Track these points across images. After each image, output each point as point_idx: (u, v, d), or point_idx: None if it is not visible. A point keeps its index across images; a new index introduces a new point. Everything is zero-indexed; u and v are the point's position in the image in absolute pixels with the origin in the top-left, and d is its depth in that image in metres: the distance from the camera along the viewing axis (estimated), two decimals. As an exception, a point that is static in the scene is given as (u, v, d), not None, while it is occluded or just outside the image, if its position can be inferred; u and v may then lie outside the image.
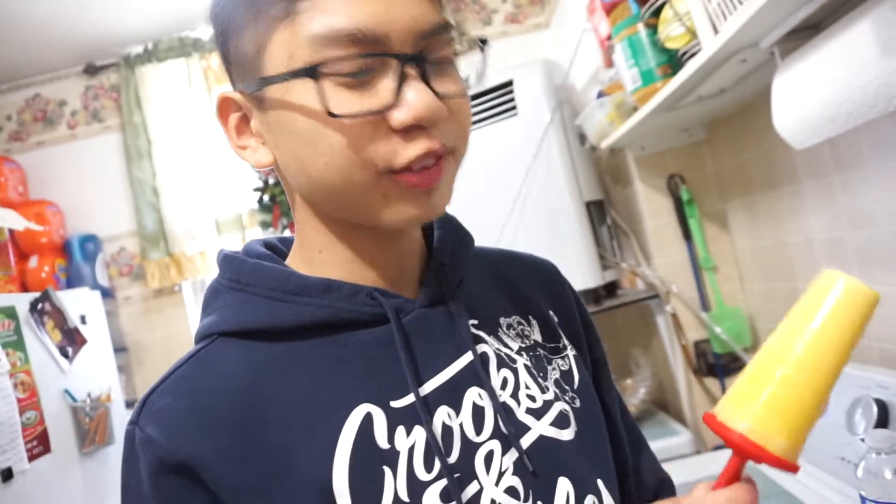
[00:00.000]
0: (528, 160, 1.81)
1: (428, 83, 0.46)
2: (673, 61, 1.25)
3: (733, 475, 0.42)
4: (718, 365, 1.70)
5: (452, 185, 0.53)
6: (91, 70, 2.75)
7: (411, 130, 0.46)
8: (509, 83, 1.87)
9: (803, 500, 1.04)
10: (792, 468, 0.39)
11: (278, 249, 0.61)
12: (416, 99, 0.45)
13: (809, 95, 0.84)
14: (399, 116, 0.46)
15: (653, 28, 1.26)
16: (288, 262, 0.58)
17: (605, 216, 1.97)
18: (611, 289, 1.96)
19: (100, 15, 2.41)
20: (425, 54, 0.47)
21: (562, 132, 1.83)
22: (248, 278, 0.54)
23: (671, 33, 1.14)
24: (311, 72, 0.46)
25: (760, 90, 1.28)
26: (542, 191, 1.82)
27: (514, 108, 1.85)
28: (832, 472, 1.00)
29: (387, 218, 0.49)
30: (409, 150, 0.46)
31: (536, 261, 0.70)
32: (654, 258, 1.76)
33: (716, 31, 0.97)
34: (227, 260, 0.56)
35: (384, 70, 0.47)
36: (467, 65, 0.55)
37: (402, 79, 0.46)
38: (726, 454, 1.26)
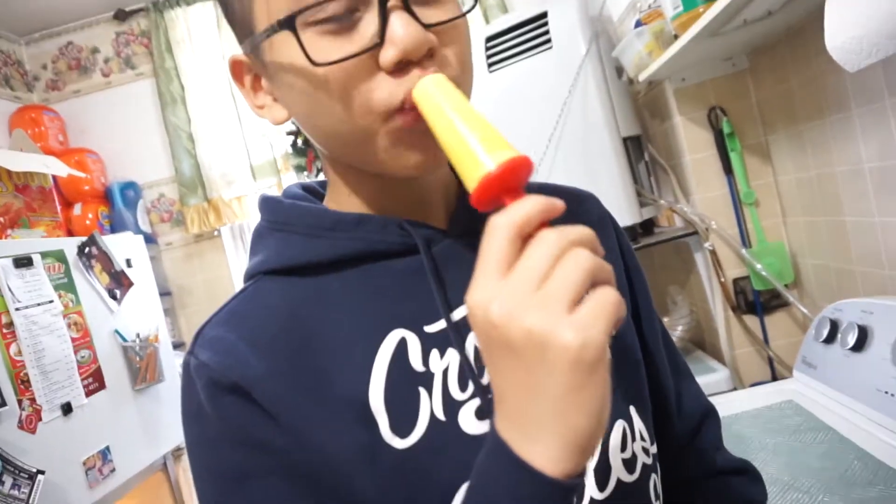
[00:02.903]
0: (564, 95, 1.76)
1: (412, 13, 0.45)
2: (717, -17, 1.19)
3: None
4: (758, 302, 1.67)
5: None
6: (121, 16, 2.75)
7: (404, 67, 0.45)
8: (543, 15, 1.81)
9: (847, 436, 1.03)
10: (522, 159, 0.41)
11: (317, 192, 0.62)
12: (401, 33, 0.44)
13: (866, 11, 0.79)
14: (387, 55, 0.44)
15: (696, -52, 1.19)
16: (325, 203, 0.59)
17: (642, 152, 1.92)
18: (648, 226, 1.93)
19: (127, -42, 2.39)
20: None
21: (598, 65, 1.77)
22: (285, 218, 0.55)
23: (716, -48, 1.08)
24: (288, 23, 0.45)
25: (810, 11, 1.21)
26: (577, 126, 1.78)
27: (548, 41, 1.80)
28: (877, 407, 0.99)
29: (395, 164, 0.49)
30: (404, 85, 0.45)
31: (575, 192, 0.69)
32: (693, 194, 1.72)
33: (764, -54, 0.92)
34: (266, 203, 0.58)
35: (366, 8, 0.45)
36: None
37: (385, 15, 0.44)
38: (764, 389, 1.25)
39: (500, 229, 0.38)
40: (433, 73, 0.45)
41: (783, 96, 1.47)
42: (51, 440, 1.55)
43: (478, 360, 0.51)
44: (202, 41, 2.68)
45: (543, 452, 0.36)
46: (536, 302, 0.35)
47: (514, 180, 0.41)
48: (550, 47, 1.80)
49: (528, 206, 0.38)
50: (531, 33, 1.83)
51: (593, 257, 0.36)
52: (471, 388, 0.50)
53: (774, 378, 1.67)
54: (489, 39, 1.91)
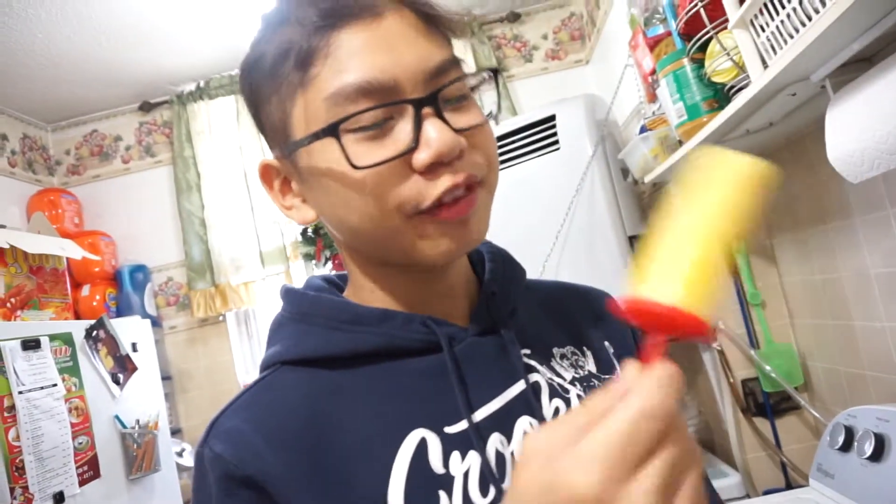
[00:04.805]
0: (571, 194, 1.81)
1: (444, 120, 0.48)
2: (719, 95, 1.26)
3: (659, 354, 0.36)
4: (768, 404, 1.65)
5: (488, 215, 0.54)
6: (146, 107, 2.87)
7: (435, 168, 0.48)
8: (552, 118, 1.89)
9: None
10: (711, 334, 0.37)
11: (337, 285, 0.63)
12: (434, 137, 0.47)
13: (865, 128, 0.83)
14: (420, 157, 0.47)
15: (698, 63, 1.26)
16: (346, 296, 0.60)
17: (648, 250, 1.95)
18: (654, 324, 1.93)
19: (154, 55, 2.53)
20: (438, 92, 0.49)
21: (604, 166, 1.84)
22: (308, 309, 0.56)
23: (718, 67, 1.15)
24: (331, 130, 0.48)
25: (810, 123, 1.27)
26: (584, 224, 1.82)
27: (556, 142, 1.87)
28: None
29: (426, 255, 0.51)
30: (435, 188, 0.48)
31: (592, 291, 0.71)
32: (699, 293, 1.73)
33: (765, 65, 0.97)
34: (289, 294, 0.59)
35: (400, 116, 0.49)
36: (489, 97, 0.56)
37: (419, 121, 0.48)
38: (781, 498, 1.20)
39: (651, 419, 0.31)
40: (463, 175, 0.48)
41: (785, 202, 1.51)
42: (38, 532, 1.48)
43: (499, 463, 0.50)
44: (221, 132, 2.78)
45: None
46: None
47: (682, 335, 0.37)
48: (558, 148, 1.87)
49: (671, 399, 0.32)
50: (540, 134, 1.91)
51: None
52: (492, 492, 0.49)
53: (788, 484, 1.62)
54: (499, 139, 1.99)
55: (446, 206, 0.49)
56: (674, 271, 0.38)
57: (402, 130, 0.48)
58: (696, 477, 0.32)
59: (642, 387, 0.32)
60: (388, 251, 0.53)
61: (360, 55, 0.48)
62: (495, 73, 0.54)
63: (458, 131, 0.48)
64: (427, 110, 0.48)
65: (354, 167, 0.48)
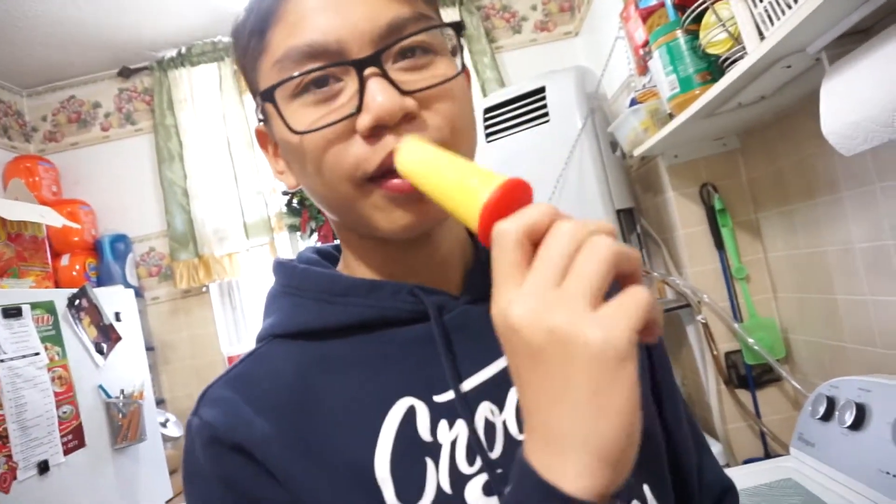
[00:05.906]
0: (560, 167, 1.81)
1: (390, 80, 0.46)
2: (713, 68, 1.25)
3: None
4: (750, 376, 1.68)
5: None
6: (125, 73, 2.80)
7: (378, 132, 0.46)
8: (541, 90, 1.88)
9: (845, 514, 1.02)
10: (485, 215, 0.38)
11: (331, 256, 0.63)
12: (377, 100, 0.45)
13: (861, 101, 0.83)
14: (361, 121, 0.46)
15: (693, 34, 1.25)
16: (338, 268, 0.60)
17: (635, 224, 1.96)
18: (640, 297, 1.95)
19: (135, 19, 2.46)
20: (390, 51, 0.47)
21: (594, 139, 1.83)
22: (298, 282, 0.56)
23: (713, 39, 1.14)
24: (268, 94, 0.48)
25: (800, 98, 1.27)
26: (572, 198, 1.82)
27: (545, 114, 1.86)
28: (879, 488, 0.98)
29: (384, 227, 0.49)
30: (377, 154, 0.46)
31: None
32: (685, 267, 1.75)
33: (762, 36, 0.97)
34: (280, 267, 0.59)
35: (349, 78, 0.47)
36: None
37: (363, 82, 0.46)
38: (762, 466, 1.23)
39: (506, 234, 0.35)
40: (408, 137, 0.46)
41: (773, 177, 1.52)
42: (24, 500, 1.47)
43: (488, 433, 0.50)
44: (204, 101, 2.73)
45: (571, 470, 0.32)
46: (556, 299, 0.32)
47: (514, 204, 0.37)
48: (547, 121, 1.86)
49: (532, 210, 0.36)
50: (529, 106, 1.89)
51: (614, 244, 0.33)
52: (479, 462, 0.49)
53: (767, 454, 1.66)
54: (487, 111, 1.97)
55: (396, 178, 0.47)
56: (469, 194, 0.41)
57: (348, 93, 0.47)
58: (603, 245, 0.33)
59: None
60: (352, 220, 0.52)
61: (306, 18, 0.47)
62: (456, 28, 0.52)
63: (409, 92, 0.47)
64: (370, 70, 0.46)
65: (293, 131, 0.47)
